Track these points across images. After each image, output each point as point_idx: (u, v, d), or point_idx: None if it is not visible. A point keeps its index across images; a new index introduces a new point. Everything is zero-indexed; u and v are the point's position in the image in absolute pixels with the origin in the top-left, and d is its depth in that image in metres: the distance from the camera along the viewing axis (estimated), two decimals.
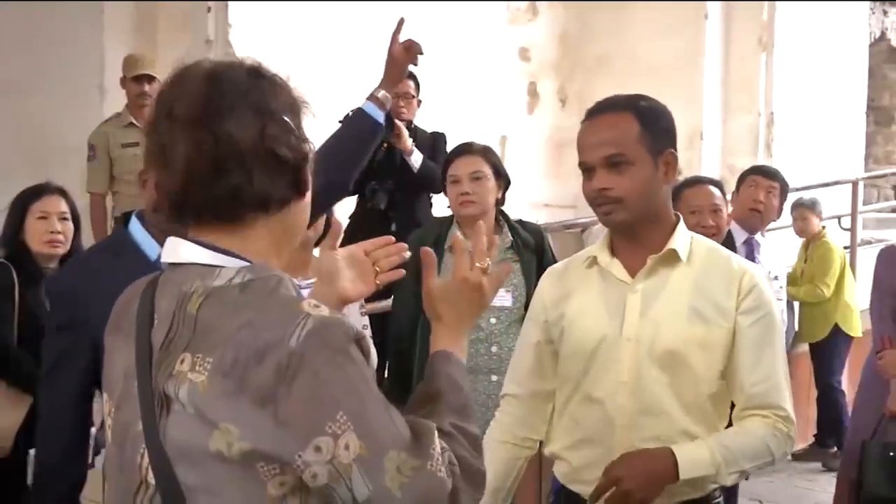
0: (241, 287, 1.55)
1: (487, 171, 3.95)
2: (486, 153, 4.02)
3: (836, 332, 7.02)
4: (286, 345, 1.47)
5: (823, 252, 7.11)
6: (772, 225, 5.31)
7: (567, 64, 9.12)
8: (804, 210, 7.22)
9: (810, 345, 7.15)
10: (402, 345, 4.01)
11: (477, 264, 1.83)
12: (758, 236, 5.02)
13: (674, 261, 2.44)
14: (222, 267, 1.57)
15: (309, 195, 1.68)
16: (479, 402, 3.67)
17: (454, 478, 1.55)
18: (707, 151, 9.01)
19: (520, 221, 4.10)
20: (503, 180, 4.02)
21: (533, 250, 4.01)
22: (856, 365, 6.35)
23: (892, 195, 13.81)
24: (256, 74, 1.63)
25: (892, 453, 4.30)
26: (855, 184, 8.63)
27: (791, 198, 7.34)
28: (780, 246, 5.97)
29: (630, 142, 2.37)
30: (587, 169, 2.42)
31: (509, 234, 3.99)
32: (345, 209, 5.83)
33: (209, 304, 1.54)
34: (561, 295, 2.55)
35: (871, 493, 4.32)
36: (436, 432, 1.56)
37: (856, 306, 7.00)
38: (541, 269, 3.45)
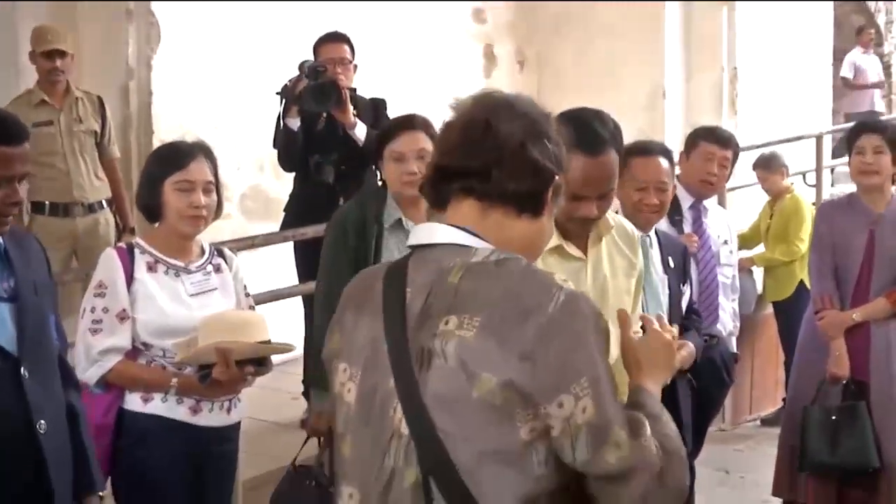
0: (497, 263, 1.82)
1: (430, 147, 3.86)
2: (428, 128, 3.92)
3: (801, 289, 6.62)
4: (546, 311, 1.73)
5: (793, 208, 6.86)
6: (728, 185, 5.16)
7: (524, 25, 8.94)
8: (761, 171, 6.99)
9: (775, 307, 6.90)
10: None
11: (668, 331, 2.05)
12: (706, 201, 4.82)
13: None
14: (475, 248, 1.84)
15: (545, 220, 1.91)
16: None
17: (661, 458, 1.78)
18: (670, 110, 8.81)
19: None
20: None
21: None
22: None
23: None
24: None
25: (833, 417, 4.23)
26: (819, 138, 8.52)
27: (756, 154, 7.20)
28: (736, 206, 5.81)
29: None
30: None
31: None
32: (285, 187, 5.72)
33: (468, 276, 1.81)
34: None
35: (813, 459, 4.25)
36: (646, 421, 1.79)
37: None
38: None
